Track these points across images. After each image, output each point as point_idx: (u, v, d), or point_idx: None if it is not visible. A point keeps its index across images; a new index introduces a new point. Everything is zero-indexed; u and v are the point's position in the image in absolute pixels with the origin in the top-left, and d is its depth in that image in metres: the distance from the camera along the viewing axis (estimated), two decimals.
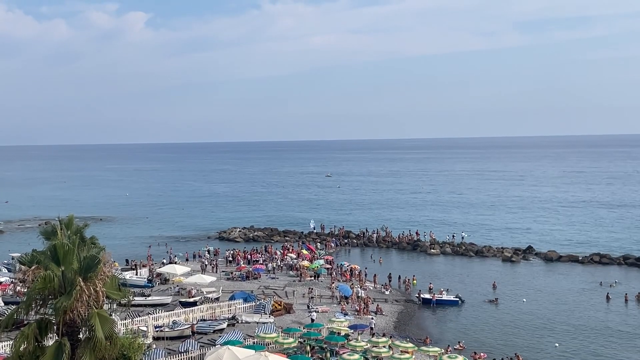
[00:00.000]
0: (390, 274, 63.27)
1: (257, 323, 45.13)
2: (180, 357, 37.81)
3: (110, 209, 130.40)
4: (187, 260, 72.88)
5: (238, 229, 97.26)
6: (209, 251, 76.41)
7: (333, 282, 58.88)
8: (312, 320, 45.88)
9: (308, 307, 50.92)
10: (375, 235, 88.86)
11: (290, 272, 65.76)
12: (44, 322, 20.87)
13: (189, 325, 44.03)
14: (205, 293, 54.27)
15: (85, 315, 20.30)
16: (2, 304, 49.36)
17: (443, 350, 39.57)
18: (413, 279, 62.82)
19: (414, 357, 38.14)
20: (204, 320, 46.23)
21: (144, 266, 66.96)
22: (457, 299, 55.47)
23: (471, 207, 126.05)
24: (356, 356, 36.20)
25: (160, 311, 47.34)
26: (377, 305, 52.28)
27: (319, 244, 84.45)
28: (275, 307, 49.42)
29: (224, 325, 44.89)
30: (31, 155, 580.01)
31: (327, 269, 65.62)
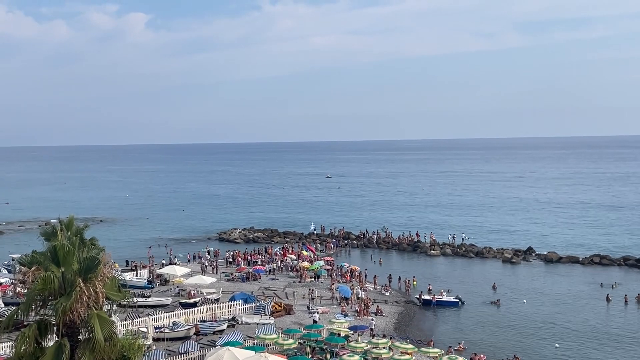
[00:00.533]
0: (390, 275, 63.27)
1: (257, 324, 45.07)
2: (180, 359, 37.78)
3: (111, 210, 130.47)
4: (188, 261, 72.87)
5: (238, 230, 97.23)
6: (209, 252, 76.39)
7: (333, 283, 58.84)
8: (315, 321, 45.89)
9: (308, 308, 50.93)
10: (375, 236, 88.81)
11: (291, 273, 65.76)
12: (44, 323, 20.87)
13: (193, 326, 44.04)
14: (205, 294, 54.23)
15: (85, 316, 20.30)
16: (2, 305, 49.29)
17: (443, 352, 39.53)
18: (413, 280, 62.80)
19: (414, 358, 38.14)
20: (204, 321, 46.22)
21: (144, 267, 66.95)
22: (457, 300, 55.45)
23: (471, 208, 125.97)
24: (356, 357, 36.14)
25: (160, 312, 47.34)
26: (377, 306, 52.24)
27: (319, 244, 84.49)
28: (276, 308, 49.42)
29: (224, 327, 44.88)
30: (31, 156, 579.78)
31: (327, 270, 65.57)
